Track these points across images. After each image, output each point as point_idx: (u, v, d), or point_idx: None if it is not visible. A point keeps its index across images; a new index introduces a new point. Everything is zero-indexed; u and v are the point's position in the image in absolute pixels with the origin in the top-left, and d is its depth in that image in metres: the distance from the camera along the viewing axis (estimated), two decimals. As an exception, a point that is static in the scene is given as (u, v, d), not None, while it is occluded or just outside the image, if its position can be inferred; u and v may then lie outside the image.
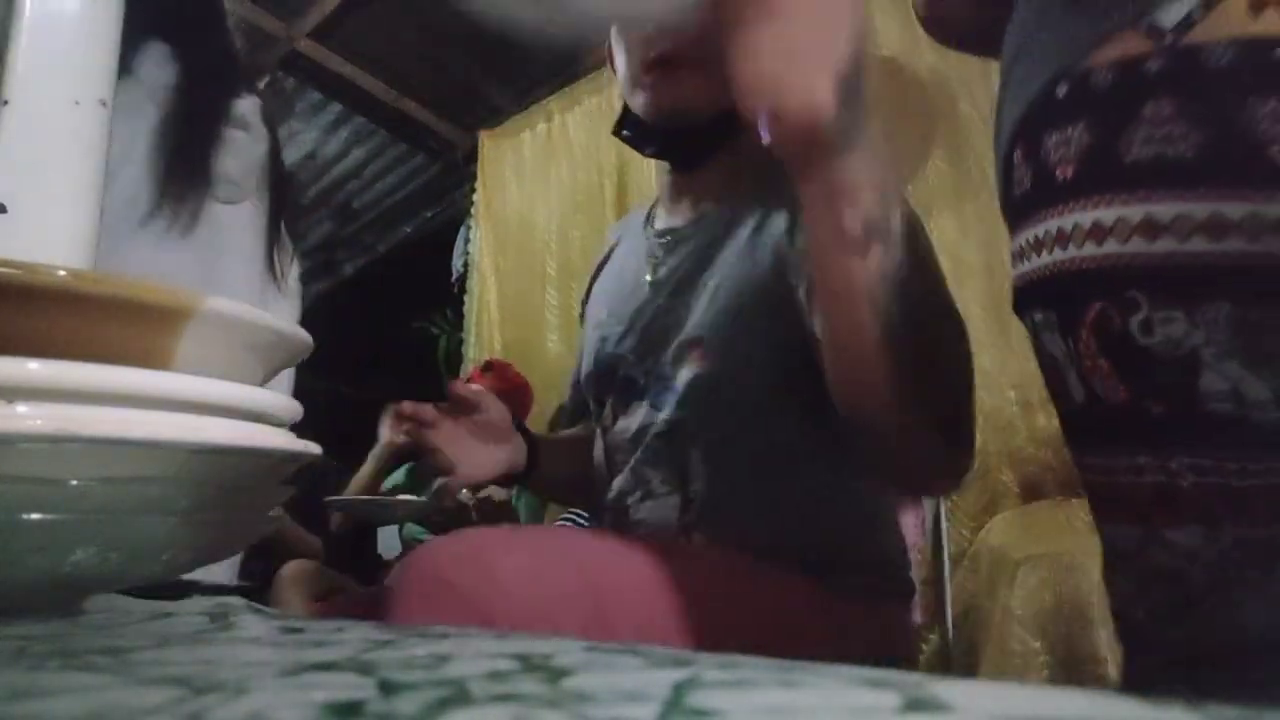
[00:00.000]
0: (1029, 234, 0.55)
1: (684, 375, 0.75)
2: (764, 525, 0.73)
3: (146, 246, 0.98)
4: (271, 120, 1.20)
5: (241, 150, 1.09)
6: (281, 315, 1.24)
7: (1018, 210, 0.56)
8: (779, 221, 0.74)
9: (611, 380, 0.83)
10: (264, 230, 1.13)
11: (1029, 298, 0.56)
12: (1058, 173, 0.52)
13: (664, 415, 0.76)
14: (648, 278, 0.84)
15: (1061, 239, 0.52)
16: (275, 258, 1.15)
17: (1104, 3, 0.52)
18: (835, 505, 0.75)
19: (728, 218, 0.79)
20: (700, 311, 0.76)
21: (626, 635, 0.58)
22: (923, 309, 0.52)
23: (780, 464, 0.74)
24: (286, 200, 1.23)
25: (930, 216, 1.72)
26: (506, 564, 0.55)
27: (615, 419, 0.82)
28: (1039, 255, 0.53)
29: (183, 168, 1.01)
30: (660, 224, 0.88)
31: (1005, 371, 1.65)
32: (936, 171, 1.74)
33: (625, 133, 0.85)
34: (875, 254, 0.47)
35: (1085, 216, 0.50)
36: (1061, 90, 0.53)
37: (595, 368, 0.86)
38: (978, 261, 1.66)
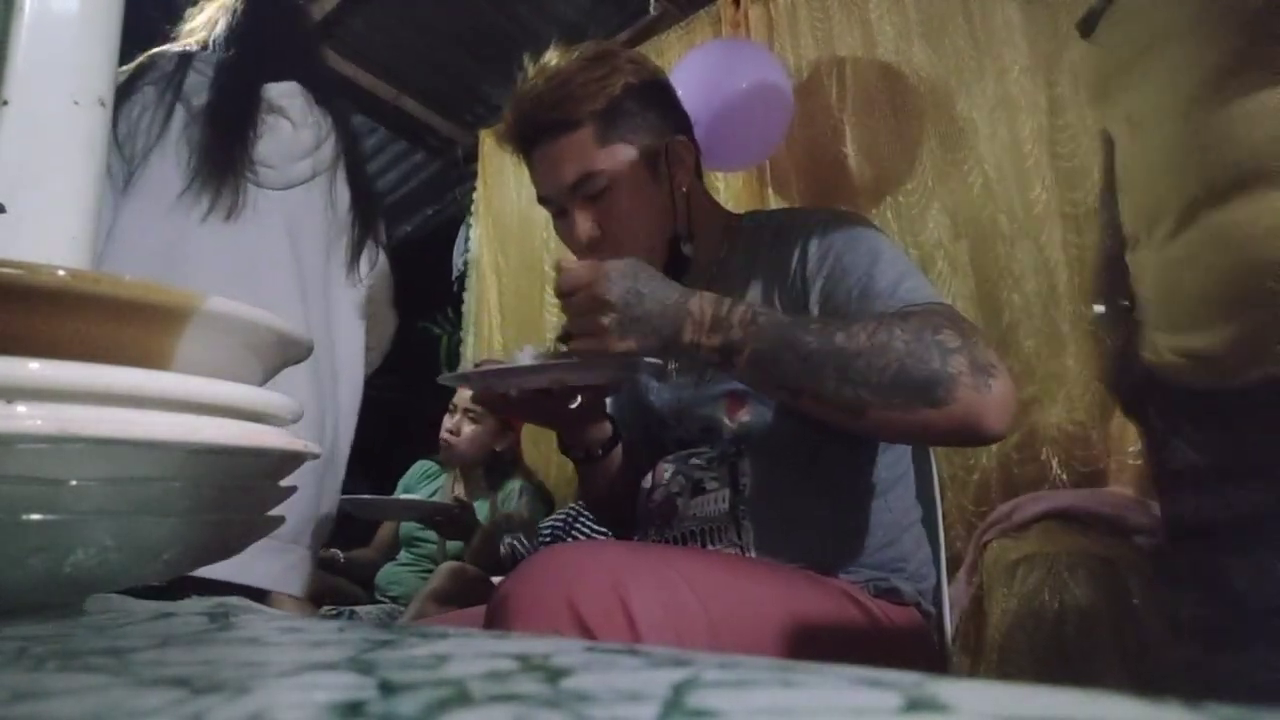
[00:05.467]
0: None
1: (731, 424, 0.84)
2: (807, 516, 0.81)
3: (177, 228, 0.99)
4: (332, 106, 1.18)
5: (278, 135, 1.09)
6: (344, 305, 1.24)
7: None
8: (762, 283, 0.86)
9: (658, 431, 0.92)
10: (321, 214, 1.12)
11: None
12: None
13: (716, 453, 0.85)
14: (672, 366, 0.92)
15: None
16: (350, 247, 1.15)
17: None
18: (867, 505, 0.84)
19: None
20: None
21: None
22: (821, 346, 0.66)
23: (822, 473, 0.83)
24: (366, 191, 1.22)
25: (925, 215, 1.72)
26: (643, 613, 0.57)
27: (664, 454, 0.90)
28: None
29: (214, 152, 1.02)
30: None
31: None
32: (933, 171, 1.74)
33: None
34: (742, 358, 0.68)
35: None
36: None
37: (638, 425, 0.95)
38: (970, 262, 1.66)
